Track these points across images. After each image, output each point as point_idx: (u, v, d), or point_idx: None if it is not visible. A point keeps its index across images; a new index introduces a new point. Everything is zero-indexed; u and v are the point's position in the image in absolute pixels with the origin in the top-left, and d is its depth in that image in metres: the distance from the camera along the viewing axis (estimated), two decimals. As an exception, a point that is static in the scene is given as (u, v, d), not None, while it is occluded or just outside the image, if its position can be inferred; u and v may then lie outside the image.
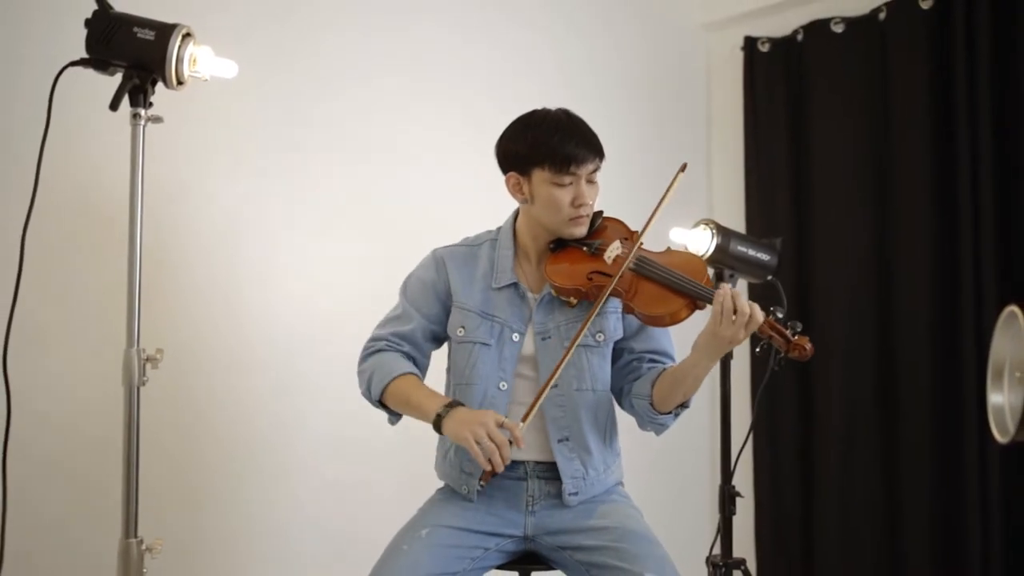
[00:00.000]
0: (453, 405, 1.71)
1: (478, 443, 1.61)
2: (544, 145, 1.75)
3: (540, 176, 1.77)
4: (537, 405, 1.72)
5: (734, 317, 1.63)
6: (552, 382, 1.73)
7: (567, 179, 1.76)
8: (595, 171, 1.80)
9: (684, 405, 1.80)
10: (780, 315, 1.70)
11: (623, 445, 1.96)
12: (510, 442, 1.65)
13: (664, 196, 1.80)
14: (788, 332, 1.68)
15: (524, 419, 1.70)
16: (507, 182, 1.84)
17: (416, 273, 1.93)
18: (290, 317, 2.46)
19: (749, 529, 3.33)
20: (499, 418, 1.65)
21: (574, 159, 1.74)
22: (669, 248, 1.89)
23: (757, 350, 1.80)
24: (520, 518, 1.82)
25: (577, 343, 1.78)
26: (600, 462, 1.84)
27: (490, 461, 1.63)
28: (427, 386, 1.82)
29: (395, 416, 1.87)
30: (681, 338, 1.88)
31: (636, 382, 1.84)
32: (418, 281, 1.91)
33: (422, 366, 1.91)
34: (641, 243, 1.79)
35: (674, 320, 1.73)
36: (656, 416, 1.79)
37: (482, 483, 1.74)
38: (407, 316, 1.88)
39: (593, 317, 1.78)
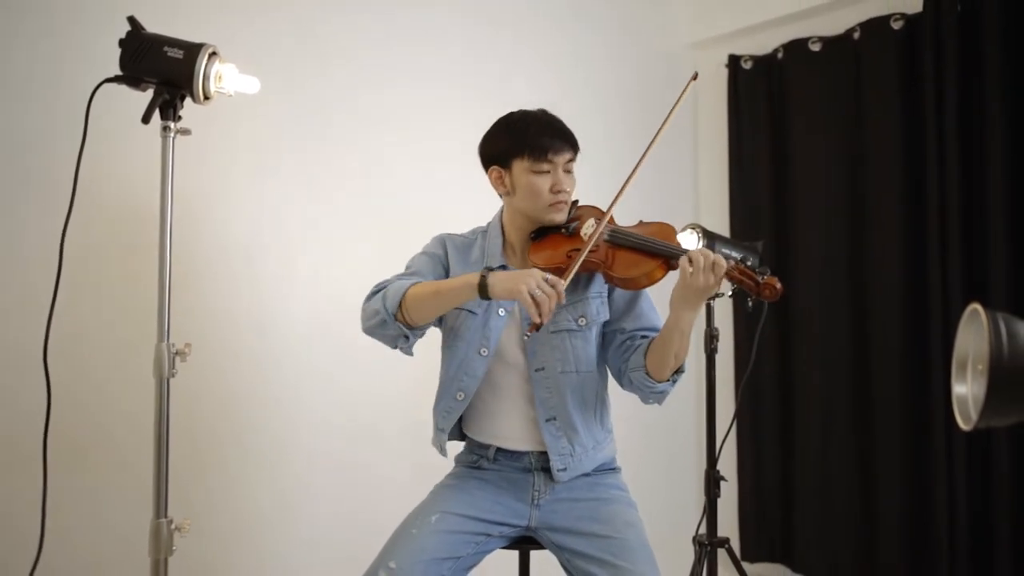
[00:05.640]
0: (492, 269, 1.67)
1: (531, 295, 1.56)
2: (523, 136, 1.77)
3: (520, 166, 1.77)
4: (577, 263, 1.67)
5: (701, 265, 1.61)
6: (550, 323, 1.67)
7: (545, 166, 1.76)
8: (570, 161, 1.80)
9: (679, 371, 1.76)
10: (749, 263, 1.70)
11: (616, 434, 1.95)
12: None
13: (671, 110, 1.78)
14: (757, 276, 1.67)
15: (564, 276, 1.63)
16: (490, 176, 1.84)
17: (422, 249, 1.92)
18: (307, 314, 2.47)
19: (733, 510, 3.33)
20: (543, 274, 1.60)
21: (550, 148, 1.75)
22: (641, 221, 1.86)
23: (729, 295, 1.79)
24: (526, 510, 1.81)
25: (560, 328, 1.79)
26: (588, 439, 1.83)
27: (541, 312, 1.56)
28: None
29: (412, 335, 1.75)
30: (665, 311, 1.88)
31: (630, 359, 1.80)
32: (423, 254, 1.90)
33: None
34: (612, 216, 1.78)
35: (651, 280, 1.72)
36: (654, 385, 1.75)
37: (528, 334, 1.65)
38: (416, 274, 1.84)
39: (576, 301, 1.79)
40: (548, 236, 1.84)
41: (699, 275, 1.61)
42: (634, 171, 1.78)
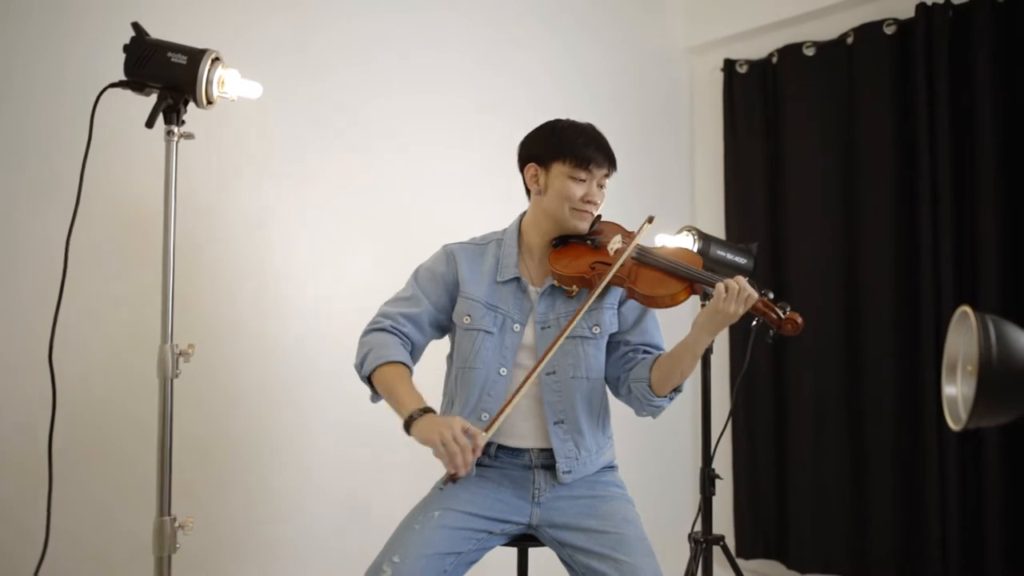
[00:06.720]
0: (427, 411, 1.68)
1: (443, 445, 1.58)
2: (570, 143, 1.81)
3: (559, 169, 1.81)
4: (503, 415, 1.64)
5: (736, 294, 1.67)
6: (533, 377, 1.69)
7: (583, 175, 1.80)
8: (606, 176, 1.85)
9: (677, 389, 1.80)
10: (771, 296, 1.74)
11: (614, 433, 1.96)
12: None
13: (633, 240, 1.82)
14: (780, 310, 1.71)
15: (487, 429, 1.64)
16: (525, 173, 1.88)
17: (427, 264, 1.93)
18: (308, 314, 2.47)
19: (728, 508, 3.34)
20: (465, 424, 1.60)
21: (593, 160, 1.80)
22: (664, 246, 1.91)
23: (753, 323, 1.82)
24: (527, 507, 1.81)
25: (574, 334, 1.80)
26: (592, 443, 1.85)
27: (453, 463, 1.58)
28: (413, 383, 1.78)
29: (376, 396, 1.83)
30: (670, 332, 1.90)
31: (633, 369, 1.83)
32: (428, 271, 1.91)
33: (419, 346, 1.88)
34: (637, 240, 1.83)
35: (674, 301, 1.75)
36: (653, 399, 1.79)
37: (443, 485, 1.69)
38: (416, 300, 1.87)
39: (591, 310, 1.81)
40: (571, 245, 1.86)
41: (731, 303, 1.66)
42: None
